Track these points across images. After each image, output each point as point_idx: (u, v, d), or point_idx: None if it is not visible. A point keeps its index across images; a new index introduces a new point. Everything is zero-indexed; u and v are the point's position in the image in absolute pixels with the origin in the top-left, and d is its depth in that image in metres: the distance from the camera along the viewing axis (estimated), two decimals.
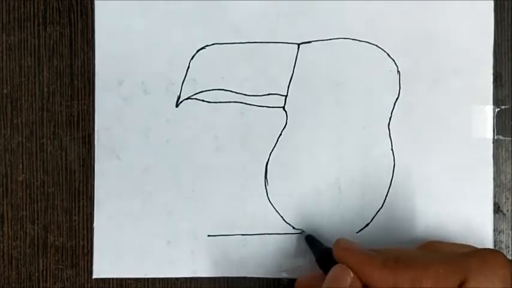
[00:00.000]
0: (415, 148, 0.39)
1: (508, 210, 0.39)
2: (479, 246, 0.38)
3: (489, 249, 0.33)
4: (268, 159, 0.39)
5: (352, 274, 0.32)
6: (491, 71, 0.39)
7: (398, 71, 0.39)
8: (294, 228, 0.39)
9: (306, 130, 0.39)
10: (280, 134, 0.39)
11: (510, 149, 0.39)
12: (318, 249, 0.37)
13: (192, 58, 0.39)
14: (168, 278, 0.39)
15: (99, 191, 0.39)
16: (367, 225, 0.39)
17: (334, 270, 0.33)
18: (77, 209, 0.39)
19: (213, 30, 0.39)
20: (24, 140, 0.39)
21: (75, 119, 0.39)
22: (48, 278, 0.39)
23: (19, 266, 0.39)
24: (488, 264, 0.30)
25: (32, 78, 0.39)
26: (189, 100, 0.39)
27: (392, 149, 0.39)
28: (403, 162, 0.39)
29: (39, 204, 0.39)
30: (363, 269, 0.32)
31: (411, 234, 0.39)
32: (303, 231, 0.38)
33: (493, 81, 0.39)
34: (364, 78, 0.39)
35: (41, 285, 0.39)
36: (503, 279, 0.30)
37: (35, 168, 0.39)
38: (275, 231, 0.39)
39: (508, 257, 0.38)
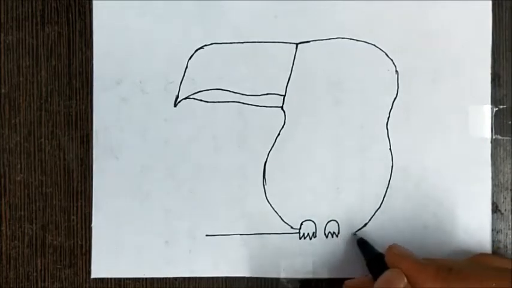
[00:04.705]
0: (414, 148, 0.39)
1: (506, 210, 0.39)
2: (478, 246, 0.38)
3: None
4: (267, 159, 0.39)
5: (405, 280, 0.33)
6: (489, 71, 0.39)
7: (396, 71, 0.39)
8: (292, 228, 0.39)
9: (304, 130, 0.39)
10: (279, 134, 0.39)
11: (508, 148, 0.39)
12: (370, 253, 0.37)
13: (190, 58, 0.39)
14: (166, 278, 0.39)
15: (97, 191, 0.39)
16: (365, 225, 0.39)
17: (388, 273, 0.34)
18: (75, 208, 0.39)
19: (211, 30, 0.39)
20: (22, 140, 0.39)
21: (73, 118, 0.39)
22: (46, 277, 0.39)
23: (17, 265, 0.39)
24: None
25: (30, 78, 0.39)
26: (187, 100, 0.39)
27: (390, 149, 0.39)
28: (401, 162, 0.39)
29: (37, 204, 0.39)
30: (416, 277, 0.33)
31: (410, 234, 0.39)
32: (355, 234, 0.38)
33: (491, 81, 0.39)
34: (363, 78, 0.39)
35: (39, 285, 0.39)
36: None
37: (33, 168, 0.39)
38: (273, 231, 0.39)
39: (507, 256, 0.38)
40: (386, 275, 0.34)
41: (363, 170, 0.39)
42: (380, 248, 0.37)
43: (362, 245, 0.38)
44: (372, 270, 0.36)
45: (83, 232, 0.39)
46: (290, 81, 0.39)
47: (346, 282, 0.37)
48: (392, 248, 0.35)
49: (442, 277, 0.32)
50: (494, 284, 0.31)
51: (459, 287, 0.31)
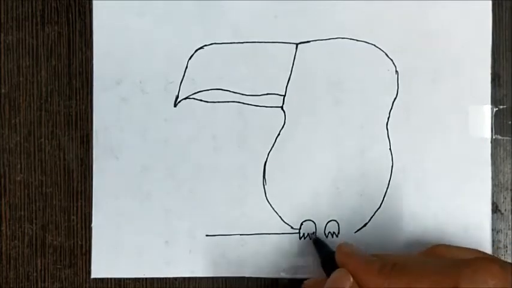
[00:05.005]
0: (414, 148, 0.39)
1: (506, 210, 0.39)
2: (477, 246, 0.38)
3: (486, 257, 0.33)
4: (267, 159, 0.39)
5: (351, 279, 0.33)
6: (489, 71, 0.39)
7: (396, 71, 0.39)
8: (292, 228, 0.39)
9: (304, 130, 0.39)
10: (279, 134, 0.39)
11: (508, 148, 0.39)
12: (324, 252, 0.37)
13: (190, 58, 0.39)
14: (166, 278, 0.39)
15: (97, 191, 0.39)
16: (365, 225, 0.39)
17: (335, 274, 0.34)
18: (75, 208, 0.39)
19: (211, 30, 0.39)
20: (22, 140, 0.39)
21: (73, 118, 0.39)
22: (46, 278, 0.39)
23: (17, 265, 0.39)
24: (480, 273, 0.30)
25: (30, 78, 0.39)
26: (187, 100, 0.39)
27: (390, 149, 0.39)
28: (401, 162, 0.39)
29: (37, 204, 0.39)
30: (361, 275, 0.33)
31: (409, 234, 0.39)
32: (312, 233, 0.38)
33: (491, 81, 0.39)
34: (363, 78, 0.39)
35: (39, 285, 0.39)
36: None
37: (33, 168, 0.39)
38: (273, 231, 0.39)
39: (507, 256, 0.38)
40: (333, 275, 0.34)
41: (363, 170, 0.39)
42: (377, 248, 0.37)
43: (317, 244, 0.38)
44: (325, 270, 0.36)
45: (83, 232, 0.39)
46: (290, 81, 0.39)
47: (305, 282, 0.37)
48: (341, 247, 0.35)
49: (384, 274, 0.32)
50: (434, 277, 0.30)
51: (400, 282, 0.31)
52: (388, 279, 0.32)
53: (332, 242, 0.39)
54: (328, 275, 0.35)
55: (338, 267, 0.34)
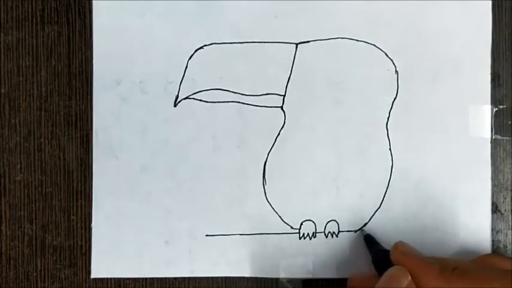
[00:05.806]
0: (413, 148, 0.39)
1: (506, 210, 0.39)
2: (477, 246, 0.38)
3: None
4: (266, 159, 0.39)
5: (409, 277, 0.33)
6: (489, 71, 0.39)
7: (396, 71, 0.39)
8: (292, 228, 0.39)
9: (304, 130, 0.39)
10: (279, 134, 0.39)
11: (508, 148, 0.39)
12: (375, 249, 0.37)
13: (190, 58, 0.39)
14: (166, 278, 0.39)
15: (97, 191, 0.39)
16: (365, 224, 0.39)
17: (393, 270, 0.34)
18: (75, 208, 0.39)
19: (211, 30, 0.39)
20: (22, 140, 0.39)
21: (73, 118, 0.39)
22: (46, 277, 0.39)
23: (17, 265, 0.39)
24: None
25: (30, 78, 0.39)
26: (187, 100, 0.39)
27: (390, 149, 0.39)
28: (401, 162, 0.39)
29: (37, 204, 0.39)
30: (420, 275, 0.33)
31: (409, 234, 0.39)
32: (362, 230, 0.39)
33: (491, 81, 0.39)
34: (362, 78, 0.39)
35: (39, 285, 0.39)
36: None
37: (33, 168, 0.39)
38: (273, 231, 0.39)
39: (508, 256, 0.38)
40: (390, 271, 0.34)
41: (363, 170, 0.39)
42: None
43: (368, 241, 0.38)
44: (377, 267, 0.36)
45: (83, 232, 0.39)
46: (290, 81, 0.39)
47: (350, 277, 0.37)
48: (398, 245, 0.35)
49: (445, 276, 0.32)
50: (496, 285, 0.31)
51: (462, 287, 0.31)
52: (449, 283, 0.32)
53: (332, 242, 0.39)
54: (379, 272, 0.35)
55: (391, 266, 0.34)
